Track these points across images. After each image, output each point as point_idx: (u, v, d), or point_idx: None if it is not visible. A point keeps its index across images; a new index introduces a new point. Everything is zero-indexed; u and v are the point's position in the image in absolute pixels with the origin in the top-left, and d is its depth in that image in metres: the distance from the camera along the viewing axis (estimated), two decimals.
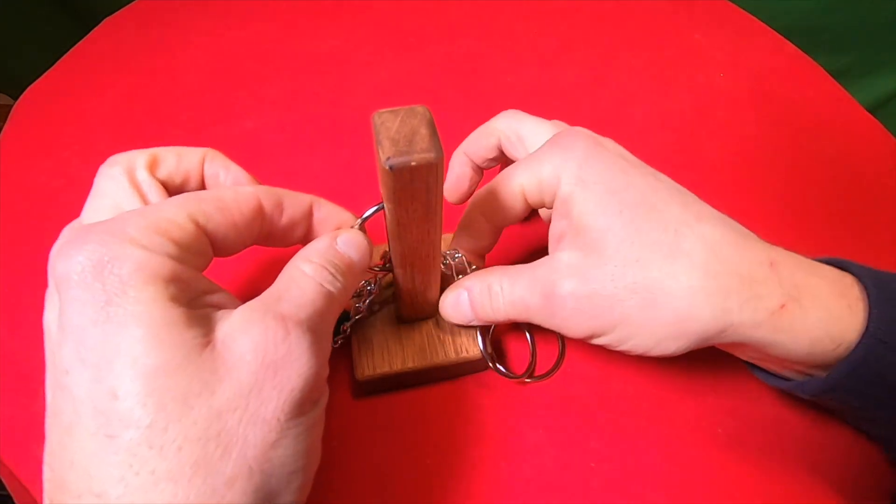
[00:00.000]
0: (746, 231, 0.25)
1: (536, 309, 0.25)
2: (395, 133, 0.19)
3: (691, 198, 0.25)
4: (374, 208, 0.23)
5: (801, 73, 0.48)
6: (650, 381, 0.31)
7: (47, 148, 0.41)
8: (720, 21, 0.53)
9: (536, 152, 0.27)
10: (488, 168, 0.32)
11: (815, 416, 0.30)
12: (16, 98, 0.45)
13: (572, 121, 0.44)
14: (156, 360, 0.16)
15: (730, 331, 0.22)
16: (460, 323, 0.28)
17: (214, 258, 0.21)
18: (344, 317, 0.28)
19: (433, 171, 0.19)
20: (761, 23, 0.52)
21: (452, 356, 0.28)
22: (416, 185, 0.20)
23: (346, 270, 0.22)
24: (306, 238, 0.24)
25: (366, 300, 0.28)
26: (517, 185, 0.26)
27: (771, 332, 0.22)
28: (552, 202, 0.26)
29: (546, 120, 0.30)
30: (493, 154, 0.31)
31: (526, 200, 0.26)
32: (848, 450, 0.29)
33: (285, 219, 0.22)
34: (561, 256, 0.25)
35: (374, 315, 0.29)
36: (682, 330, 0.23)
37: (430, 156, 0.19)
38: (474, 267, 0.28)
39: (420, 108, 0.20)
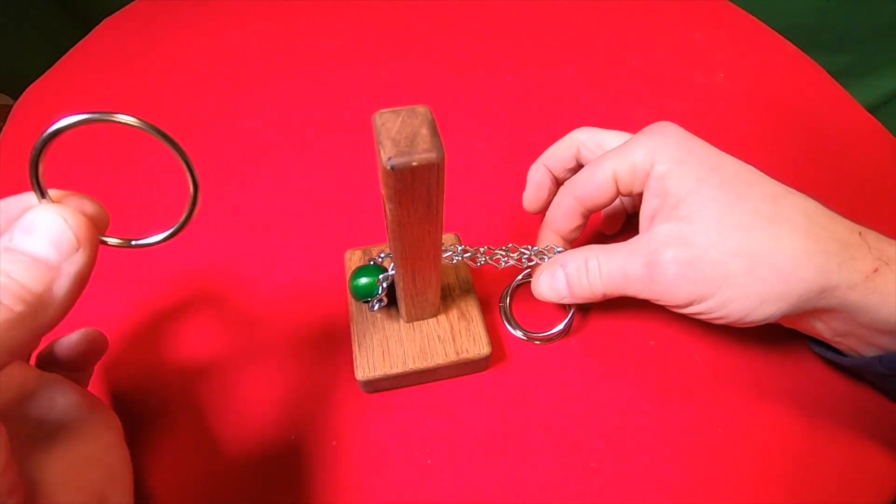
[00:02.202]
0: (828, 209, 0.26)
1: (636, 278, 0.26)
2: (396, 133, 0.19)
3: (776, 181, 0.26)
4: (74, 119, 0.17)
5: (801, 73, 0.48)
6: (651, 380, 0.31)
7: (47, 148, 0.41)
8: (720, 21, 0.53)
9: (628, 141, 0.27)
10: (565, 179, 0.32)
11: (816, 417, 0.30)
12: (16, 98, 0.45)
13: (572, 121, 0.44)
14: None
15: (827, 293, 0.23)
16: (554, 301, 0.28)
17: None
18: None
19: (434, 172, 0.19)
20: (761, 23, 0.52)
21: (453, 356, 0.28)
22: (417, 186, 0.20)
23: (34, 283, 0.15)
24: None
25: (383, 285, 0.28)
26: (609, 170, 0.27)
27: (864, 294, 0.23)
28: (641, 187, 0.27)
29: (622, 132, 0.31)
30: (571, 164, 0.32)
31: (617, 186, 0.27)
32: (849, 451, 0.29)
33: None
34: (659, 228, 0.26)
35: (371, 315, 0.29)
36: (784, 291, 0.23)
37: (431, 156, 0.19)
38: (559, 249, 0.30)
39: (421, 109, 0.20)
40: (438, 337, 0.29)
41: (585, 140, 0.31)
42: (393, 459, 0.28)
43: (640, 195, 0.27)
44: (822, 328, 0.27)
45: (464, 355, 0.28)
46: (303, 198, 0.38)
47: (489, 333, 0.29)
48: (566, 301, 0.28)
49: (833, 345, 0.28)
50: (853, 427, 0.30)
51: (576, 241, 0.31)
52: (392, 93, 0.45)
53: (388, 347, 0.28)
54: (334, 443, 0.28)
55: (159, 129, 0.18)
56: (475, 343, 0.29)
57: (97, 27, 0.51)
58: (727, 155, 0.26)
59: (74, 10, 0.50)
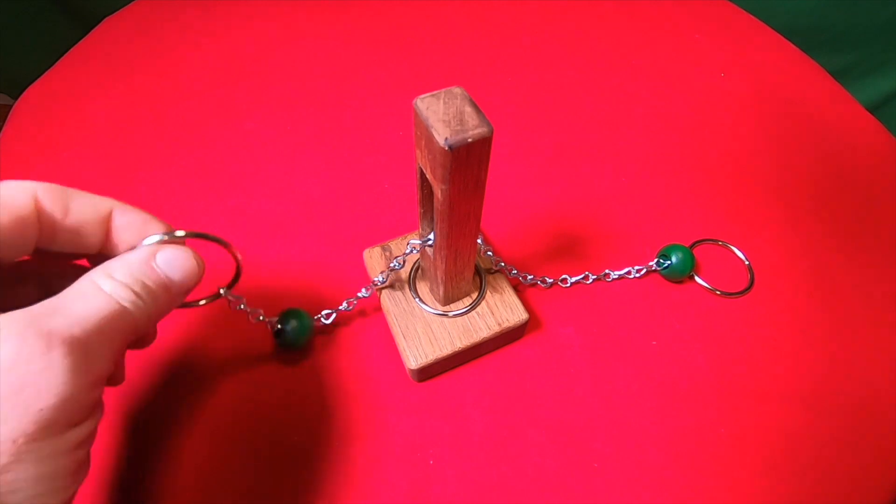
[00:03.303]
0: None
1: None
2: (443, 115, 0.20)
3: None
4: (205, 237, 0.22)
5: (801, 73, 0.48)
6: (652, 381, 0.31)
7: (47, 148, 0.41)
8: (720, 21, 0.53)
9: None
10: None
11: (817, 417, 0.30)
12: (16, 98, 0.45)
13: (573, 121, 0.44)
14: None
15: None
16: None
17: None
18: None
19: (486, 146, 0.20)
20: (761, 23, 0.52)
21: (497, 328, 0.29)
22: (471, 162, 0.20)
23: (160, 292, 0.20)
24: (104, 247, 0.21)
25: (387, 273, 0.29)
26: None
27: None
28: None
29: None
30: None
31: None
32: (849, 451, 0.29)
33: (71, 221, 0.20)
34: None
35: (407, 305, 0.30)
36: None
37: (483, 130, 0.19)
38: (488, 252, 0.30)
39: (457, 90, 0.21)
40: (478, 313, 0.30)
41: None
42: (389, 455, 0.28)
43: None
44: None
45: (505, 325, 0.29)
46: (310, 198, 0.38)
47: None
48: None
49: None
50: (853, 427, 0.30)
51: None
52: (391, 93, 0.45)
53: (432, 332, 0.29)
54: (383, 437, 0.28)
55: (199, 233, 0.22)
56: (513, 312, 0.30)
57: (97, 27, 0.51)
58: None
59: (74, 10, 0.50)
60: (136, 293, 0.19)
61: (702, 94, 0.46)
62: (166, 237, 0.21)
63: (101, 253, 0.21)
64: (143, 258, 0.20)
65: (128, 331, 0.19)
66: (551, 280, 0.33)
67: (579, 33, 0.51)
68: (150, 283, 0.20)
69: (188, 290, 0.22)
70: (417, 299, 0.30)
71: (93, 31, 0.50)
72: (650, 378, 0.31)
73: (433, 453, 0.28)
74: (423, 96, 0.20)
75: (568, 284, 0.34)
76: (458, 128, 0.19)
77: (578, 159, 0.41)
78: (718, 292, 0.34)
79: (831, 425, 0.30)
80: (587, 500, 0.27)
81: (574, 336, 0.32)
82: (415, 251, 0.28)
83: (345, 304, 0.31)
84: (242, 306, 0.28)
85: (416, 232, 0.30)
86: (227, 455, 0.28)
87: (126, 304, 0.19)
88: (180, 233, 0.22)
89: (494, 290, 0.31)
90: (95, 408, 0.19)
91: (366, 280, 0.32)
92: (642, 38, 0.51)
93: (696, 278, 0.35)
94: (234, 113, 0.44)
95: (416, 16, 0.52)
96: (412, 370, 0.28)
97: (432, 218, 0.25)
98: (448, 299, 0.30)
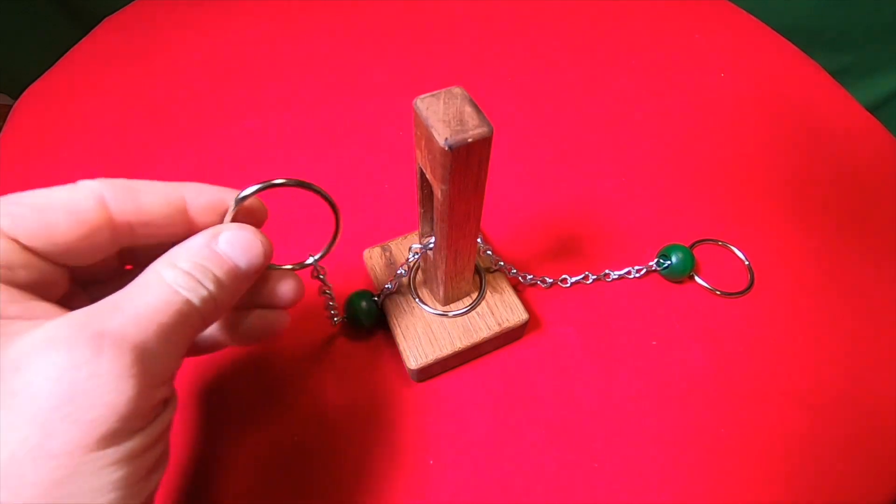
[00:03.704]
0: None
1: None
2: (443, 115, 0.20)
3: None
4: (259, 186, 0.21)
5: (801, 73, 0.48)
6: (652, 381, 0.31)
7: (47, 148, 0.41)
8: (720, 21, 0.53)
9: None
10: None
11: (817, 417, 0.30)
12: (16, 98, 0.45)
13: (573, 121, 0.44)
14: None
15: None
16: None
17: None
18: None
19: (486, 146, 0.20)
20: (761, 23, 0.52)
21: (497, 328, 0.29)
22: (470, 162, 0.20)
23: (226, 277, 0.19)
24: (190, 232, 0.20)
25: (395, 283, 0.29)
26: None
27: None
28: None
29: None
30: None
31: None
32: (849, 451, 0.29)
33: (145, 216, 0.19)
34: None
35: (407, 306, 0.30)
36: None
37: (483, 130, 0.19)
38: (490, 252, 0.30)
39: (457, 90, 0.21)
40: (477, 313, 0.30)
41: None
42: (387, 455, 0.28)
43: None
44: None
45: (505, 325, 0.29)
46: (308, 198, 0.38)
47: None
48: None
49: None
50: (854, 427, 0.30)
51: None
52: (391, 93, 0.45)
53: (432, 333, 0.29)
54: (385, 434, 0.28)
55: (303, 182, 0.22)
56: (513, 312, 0.30)
57: (97, 27, 0.51)
58: None
59: (74, 10, 0.50)
60: (198, 281, 0.18)
61: (702, 94, 0.46)
62: (234, 205, 0.20)
63: (186, 238, 0.20)
64: (205, 241, 0.19)
65: (193, 324, 0.18)
66: (551, 280, 0.33)
67: (579, 33, 0.51)
68: (213, 268, 0.19)
69: (255, 273, 0.20)
70: (417, 299, 0.30)
71: (93, 31, 0.50)
72: (650, 378, 0.31)
73: (433, 453, 0.28)
74: (423, 96, 0.20)
75: (568, 284, 0.34)
76: (458, 128, 0.19)
77: (578, 159, 0.41)
78: (718, 292, 0.34)
79: (831, 425, 0.30)
80: (587, 500, 0.27)
81: (574, 336, 0.32)
82: (417, 256, 0.28)
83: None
84: (322, 277, 0.26)
85: (416, 232, 0.30)
86: (226, 455, 0.28)
87: (188, 294, 0.18)
88: (249, 190, 0.20)
89: (494, 290, 0.31)
90: (165, 405, 0.18)
91: (366, 280, 0.32)
92: (642, 38, 0.51)
93: (696, 278, 0.35)
94: (234, 113, 0.44)
95: (415, 16, 0.52)
96: (412, 370, 0.28)
97: (432, 218, 0.25)
98: (448, 299, 0.30)
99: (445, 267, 0.27)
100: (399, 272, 0.29)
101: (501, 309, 0.30)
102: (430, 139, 0.20)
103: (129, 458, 0.16)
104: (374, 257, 0.32)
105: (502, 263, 0.31)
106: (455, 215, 0.23)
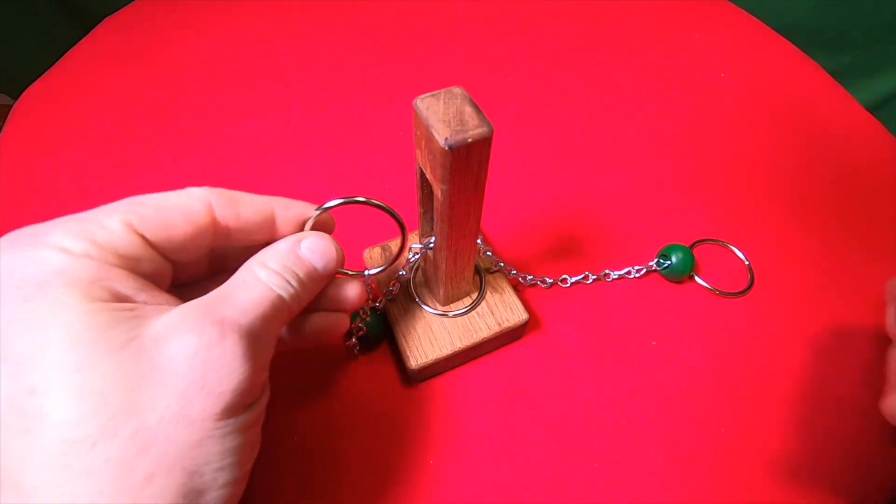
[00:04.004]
0: None
1: None
2: (443, 115, 0.20)
3: None
4: (338, 201, 0.24)
5: (801, 73, 0.48)
6: (652, 381, 0.31)
7: (47, 148, 0.41)
8: (720, 21, 0.53)
9: None
10: None
11: (817, 417, 0.30)
12: (16, 98, 0.45)
13: (573, 121, 0.44)
14: (75, 357, 0.16)
15: None
16: None
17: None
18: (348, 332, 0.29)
19: (486, 146, 0.20)
20: (761, 23, 0.52)
21: (497, 328, 0.29)
22: (470, 162, 0.21)
23: (306, 278, 0.22)
24: (271, 241, 0.23)
25: (396, 285, 0.29)
26: None
27: None
28: None
29: None
30: None
31: None
32: (849, 451, 0.29)
33: (241, 224, 0.22)
34: None
35: (407, 306, 0.30)
36: None
37: (483, 130, 0.20)
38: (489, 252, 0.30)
39: (457, 90, 0.21)
40: (477, 313, 0.30)
41: None
42: (389, 456, 0.28)
43: None
44: None
45: (505, 325, 0.29)
46: (310, 198, 0.38)
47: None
48: None
49: None
50: (854, 427, 0.30)
51: None
52: (391, 93, 0.45)
53: (432, 332, 0.29)
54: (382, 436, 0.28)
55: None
56: (513, 312, 0.30)
57: (97, 27, 0.51)
58: None
59: (74, 10, 0.50)
60: (286, 280, 0.21)
61: (701, 94, 0.46)
62: (314, 217, 0.23)
63: (268, 243, 0.23)
64: (290, 247, 0.22)
65: (282, 317, 0.21)
66: (551, 280, 0.33)
67: (579, 33, 0.51)
68: (297, 269, 0.21)
69: (329, 277, 0.23)
70: (417, 299, 0.30)
71: (93, 31, 0.50)
72: (650, 378, 0.31)
73: (433, 453, 0.28)
74: (423, 96, 0.20)
75: (568, 284, 0.34)
76: (459, 128, 0.19)
77: (578, 159, 0.41)
78: (718, 292, 0.34)
79: (831, 425, 0.30)
80: (587, 500, 0.27)
81: (574, 336, 0.32)
82: (417, 256, 0.28)
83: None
84: (370, 290, 0.29)
85: (416, 232, 0.30)
86: None
87: (280, 292, 0.21)
88: (329, 204, 0.23)
89: (494, 290, 0.31)
90: (264, 390, 0.21)
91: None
92: (642, 39, 0.51)
93: (696, 278, 0.35)
94: (234, 113, 0.44)
95: (415, 16, 0.52)
96: (412, 370, 0.28)
97: (432, 218, 0.25)
98: (448, 299, 0.30)
99: (445, 267, 0.27)
100: (401, 273, 0.29)
101: (501, 309, 0.30)
102: (430, 139, 0.20)
103: (244, 429, 0.19)
104: (374, 257, 0.32)
105: (502, 264, 0.31)
106: (455, 215, 0.23)
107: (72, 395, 0.16)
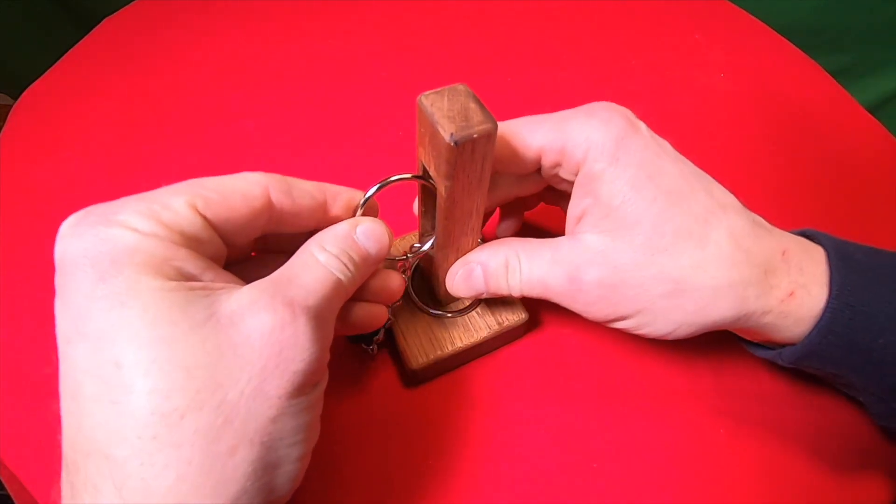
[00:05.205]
0: (760, 219, 0.25)
1: (557, 292, 0.25)
2: (448, 111, 0.20)
3: (714, 184, 0.25)
4: (378, 185, 0.24)
5: (801, 73, 0.48)
6: (652, 381, 0.31)
7: (47, 148, 0.41)
8: (720, 21, 0.53)
9: (564, 116, 0.26)
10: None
11: (817, 417, 0.30)
12: (16, 98, 0.45)
13: None
14: (158, 332, 0.17)
15: (743, 319, 0.23)
16: (468, 296, 0.28)
17: None
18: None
19: (490, 141, 0.20)
20: (761, 23, 0.52)
21: (497, 328, 0.29)
22: (475, 157, 0.21)
23: (361, 262, 0.22)
24: (321, 226, 0.24)
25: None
26: (536, 141, 0.25)
27: (777, 317, 0.23)
28: (570, 173, 0.25)
29: None
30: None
31: (539, 159, 0.25)
32: (849, 451, 0.29)
33: (295, 209, 0.22)
34: (586, 239, 0.24)
35: (407, 306, 0.30)
36: (701, 318, 0.23)
37: (488, 126, 0.20)
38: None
39: (460, 86, 0.21)
40: (477, 313, 0.30)
41: None
42: (390, 458, 0.28)
43: (560, 177, 0.26)
44: (741, 333, 0.27)
45: (505, 324, 0.29)
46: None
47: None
48: (483, 297, 0.28)
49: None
50: (854, 427, 0.30)
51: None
52: (391, 93, 0.45)
53: (433, 333, 0.29)
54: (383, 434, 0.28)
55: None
56: (513, 312, 0.30)
57: (97, 27, 0.50)
58: (668, 153, 0.25)
59: (74, 10, 0.50)
60: (344, 263, 0.21)
61: (701, 94, 0.46)
62: (363, 202, 0.24)
63: (317, 229, 0.23)
64: (347, 231, 0.22)
65: (340, 299, 0.22)
66: None
67: (579, 33, 0.51)
68: (353, 253, 0.22)
69: (380, 262, 0.24)
70: (417, 300, 0.30)
71: (93, 31, 0.50)
72: (650, 378, 0.31)
73: (433, 453, 0.28)
74: (426, 93, 0.20)
75: None
76: (463, 123, 0.20)
77: None
78: None
79: (831, 425, 0.30)
80: (587, 500, 0.27)
81: (574, 336, 0.32)
82: (417, 255, 0.28)
83: None
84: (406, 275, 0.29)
85: (416, 232, 0.30)
86: None
87: (339, 275, 0.21)
88: (373, 189, 0.24)
89: None
90: (326, 370, 0.21)
91: None
92: (642, 38, 0.51)
93: None
94: (234, 112, 0.44)
95: (415, 16, 0.52)
96: (412, 370, 0.28)
97: (433, 217, 0.25)
98: (448, 299, 0.30)
99: (446, 266, 0.26)
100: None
101: (501, 308, 0.30)
102: (434, 135, 0.20)
103: (310, 408, 0.20)
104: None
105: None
106: (457, 212, 0.23)
107: (159, 369, 0.17)
